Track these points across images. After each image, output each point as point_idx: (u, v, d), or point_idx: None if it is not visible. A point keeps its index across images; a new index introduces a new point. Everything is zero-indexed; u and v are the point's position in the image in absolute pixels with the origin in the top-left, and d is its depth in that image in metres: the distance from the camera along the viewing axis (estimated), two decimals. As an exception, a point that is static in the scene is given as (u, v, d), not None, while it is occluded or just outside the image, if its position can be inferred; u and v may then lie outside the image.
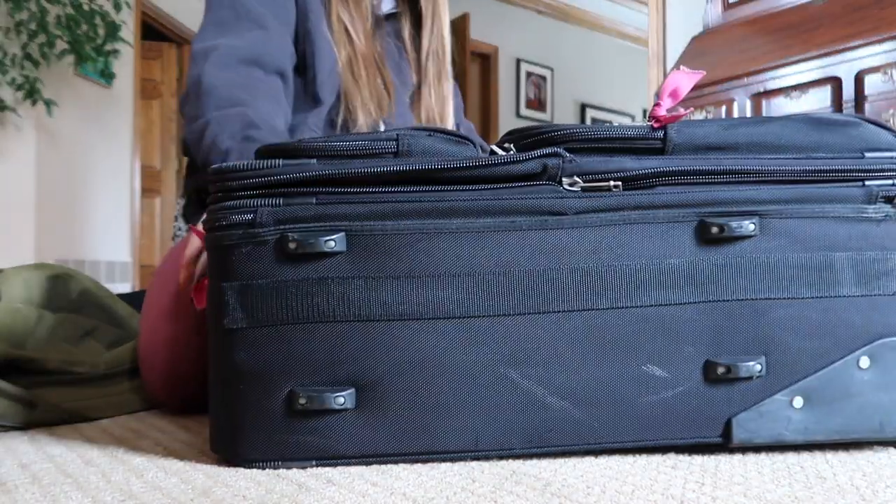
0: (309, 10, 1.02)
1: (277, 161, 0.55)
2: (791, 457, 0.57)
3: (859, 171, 0.57)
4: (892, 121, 1.98)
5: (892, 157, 0.58)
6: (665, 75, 2.78)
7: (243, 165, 0.55)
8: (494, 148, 0.60)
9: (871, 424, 0.57)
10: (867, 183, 0.57)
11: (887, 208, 0.57)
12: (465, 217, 0.55)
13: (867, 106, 2.04)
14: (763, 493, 0.47)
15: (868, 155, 0.58)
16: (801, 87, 2.19)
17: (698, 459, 0.56)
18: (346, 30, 1.03)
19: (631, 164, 0.57)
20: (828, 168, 0.57)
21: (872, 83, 2.04)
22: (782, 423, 0.56)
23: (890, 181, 0.58)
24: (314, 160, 0.55)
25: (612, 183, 0.56)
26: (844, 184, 0.58)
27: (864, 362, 0.56)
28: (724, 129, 0.58)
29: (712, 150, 0.58)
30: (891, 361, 0.57)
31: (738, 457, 0.57)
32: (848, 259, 0.57)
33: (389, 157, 0.56)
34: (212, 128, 0.87)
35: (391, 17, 1.16)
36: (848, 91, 2.08)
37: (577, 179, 0.56)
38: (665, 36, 2.91)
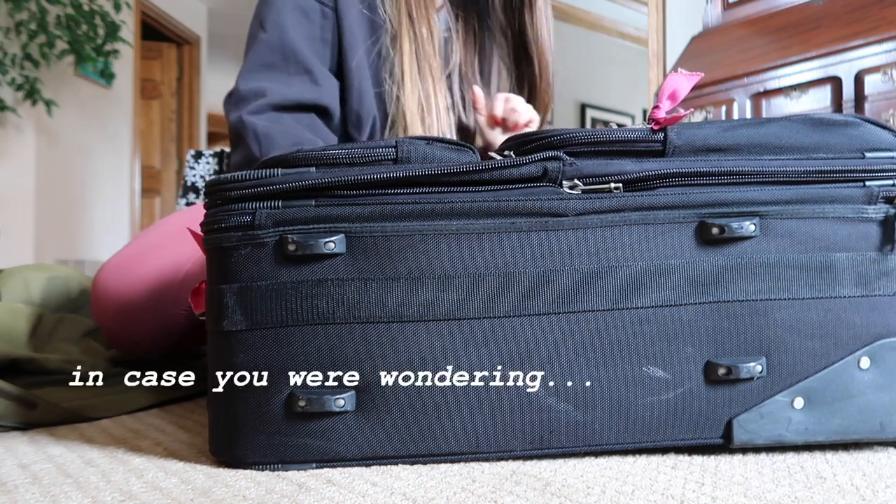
0: (345, 35, 0.98)
1: (276, 171, 0.55)
2: (791, 457, 0.57)
3: (860, 171, 0.57)
4: (892, 121, 1.98)
5: (892, 158, 0.58)
6: (665, 75, 2.78)
7: (242, 176, 0.55)
8: (494, 154, 0.60)
9: (871, 425, 0.57)
10: (867, 183, 0.57)
11: (887, 208, 0.57)
12: (465, 218, 0.55)
13: (867, 106, 2.04)
14: (763, 493, 0.47)
15: (868, 155, 0.58)
16: (801, 87, 2.19)
17: (698, 459, 0.56)
18: (417, 52, 0.98)
19: (631, 166, 0.57)
20: (828, 169, 0.57)
21: (872, 83, 2.04)
22: (783, 424, 0.56)
23: (890, 182, 0.58)
24: (313, 168, 0.55)
25: (612, 185, 0.56)
26: (845, 184, 0.58)
27: (865, 363, 0.56)
28: (724, 130, 0.58)
29: (712, 151, 0.58)
30: (891, 362, 0.57)
31: (738, 457, 0.57)
32: (848, 259, 0.57)
33: (388, 164, 0.56)
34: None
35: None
36: (848, 91, 2.08)
37: (578, 182, 0.56)
38: (665, 36, 2.91)
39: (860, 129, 0.59)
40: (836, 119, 0.59)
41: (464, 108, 1.08)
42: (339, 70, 0.98)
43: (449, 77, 1.05)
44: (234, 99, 0.93)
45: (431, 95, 0.97)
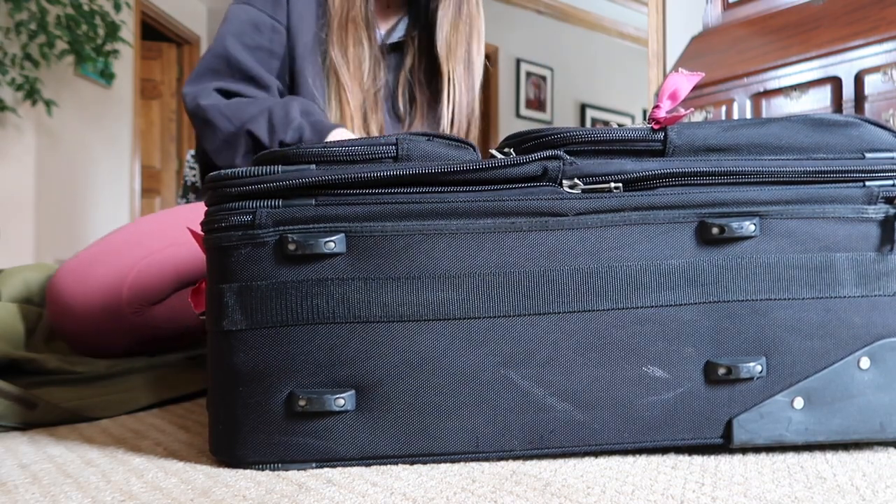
0: (297, 54, 1.04)
1: (276, 167, 0.55)
2: (791, 457, 0.57)
3: (860, 171, 0.57)
4: (892, 121, 1.98)
5: (892, 158, 0.58)
6: (665, 75, 2.78)
7: (242, 172, 0.55)
8: (494, 152, 0.60)
9: (871, 425, 0.57)
10: (868, 184, 0.57)
11: (887, 208, 0.57)
12: (465, 218, 0.55)
13: (867, 106, 2.04)
14: (763, 494, 0.47)
15: (868, 155, 0.58)
16: (801, 87, 2.19)
17: (698, 459, 0.56)
18: (338, 77, 1.03)
19: (631, 166, 0.57)
20: (829, 169, 0.57)
21: (872, 83, 2.04)
22: (783, 424, 0.56)
23: (890, 182, 0.58)
24: (313, 165, 0.55)
25: (612, 185, 0.56)
26: (845, 184, 0.58)
27: (865, 363, 0.56)
28: (725, 130, 0.58)
29: (712, 151, 0.58)
30: (891, 362, 0.57)
31: (738, 457, 0.57)
32: (848, 259, 0.57)
33: (388, 161, 0.56)
34: (258, 121, 0.93)
35: (396, 46, 1.13)
36: (848, 91, 2.08)
37: (578, 182, 0.56)
38: (665, 36, 2.91)
39: (860, 129, 0.59)
40: (836, 119, 0.59)
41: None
42: (293, 83, 1.05)
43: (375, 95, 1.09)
44: (185, 99, 1.01)
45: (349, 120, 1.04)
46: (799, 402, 0.56)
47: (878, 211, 0.57)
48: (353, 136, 0.86)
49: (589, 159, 0.57)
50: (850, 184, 0.58)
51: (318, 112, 0.97)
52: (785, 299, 0.56)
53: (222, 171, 0.56)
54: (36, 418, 0.74)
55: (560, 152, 0.57)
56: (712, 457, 0.57)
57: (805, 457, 0.57)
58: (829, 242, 0.57)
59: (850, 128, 0.59)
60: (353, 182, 0.54)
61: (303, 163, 0.55)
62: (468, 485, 0.50)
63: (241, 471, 0.55)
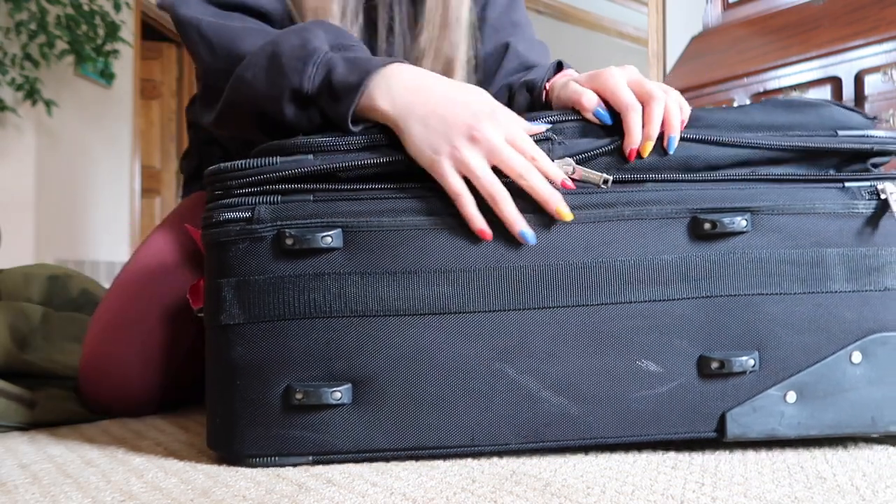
0: None
1: (275, 158, 0.55)
2: (791, 457, 0.57)
3: (835, 150, 0.58)
4: (892, 121, 1.98)
5: (864, 135, 0.59)
6: (665, 75, 2.78)
7: (241, 165, 0.56)
8: None
9: (863, 419, 0.57)
10: (846, 185, 0.58)
11: (876, 203, 0.58)
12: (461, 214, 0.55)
13: (867, 106, 2.04)
14: (763, 493, 0.47)
15: (841, 133, 0.59)
16: (801, 87, 2.19)
17: (698, 459, 0.56)
18: None
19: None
20: (805, 145, 0.58)
21: (872, 83, 2.04)
22: (776, 418, 0.56)
23: (868, 183, 0.58)
24: (310, 156, 0.56)
25: (602, 177, 0.56)
26: (826, 184, 0.58)
27: (856, 357, 0.57)
28: (710, 113, 0.60)
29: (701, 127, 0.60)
30: (882, 356, 0.57)
31: (738, 457, 0.57)
32: (839, 255, 0.57)
33: (384, 148, 0.57)
34: (256, 60, 0.63)
35: None
36: (848, 91, 2.08)
37: (570, 160, 0.57)
38: (665, 36, 2.91)
39: (830, 109, 0.60)
40: (806, 101, 0.60)
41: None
42: None
43: None
44: (175, 15, 0.73)
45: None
46: (791, 396, 0.56)
47: (867, 206, 0.57)
48: (423, 79, 0.59)
49: (579, 139, 0.58)
50: (831, 184, 0.58)
51: (354, 41, 0.65)
52: (777, 294, 0.56)
53: (221, 165, 0.56)
54: (36, 418, 0.74)
55: (550, 133, 0.57)
56: (712, 457, 0.57)
57: (805, 457, 0.57)
58: (821, 238, 0.57)
59: (821, 108, 0.60)
60: (350, 168, 0.55)
61: (300, 153, 0.56)
62: (468, 485, 0.50)
63: (241, 471, 0.55)
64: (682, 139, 0.57)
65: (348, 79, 0.58)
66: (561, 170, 0.56)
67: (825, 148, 0.58)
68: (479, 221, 0.55)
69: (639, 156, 0.57)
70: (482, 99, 0.58)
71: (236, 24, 0.68)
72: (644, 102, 0.58)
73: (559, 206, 0.55)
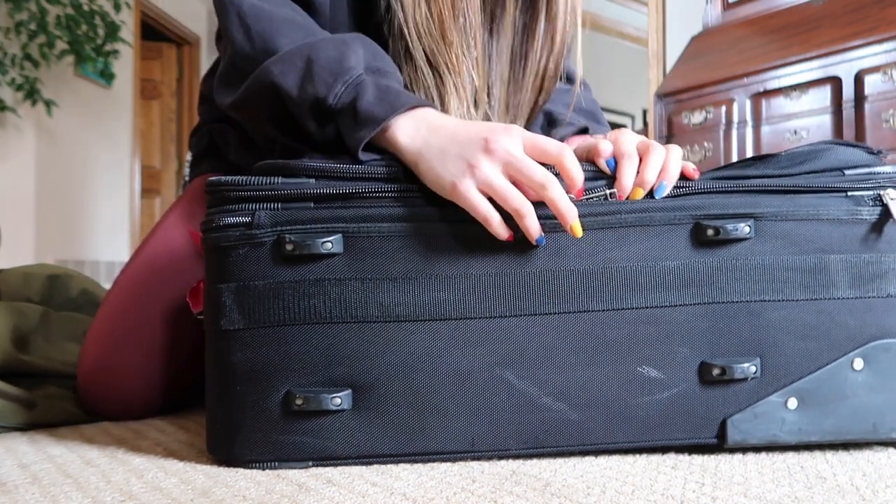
0: None
1: (276, 179, 0.55)
2: (791, 457, 0.57)
3: (843, 189, 0.58)
4: (892, 121, 1.98)
5: (870, 173, 0.59)
6: (665, 75, 2.78)
7: (242, 181, 0.55)
8: None
9: (864, 426, 0.57)
10: (850, 194, 0.58)
11: (880, 210, 0.58)
12: (462, 220, 0.55)
13: (867, 106, 2.04)
14: (763, 494, 0.47)
15: (848, 172, 0.59)
16: (801, 87, 2.19)
17: (698, 459, 0.56)
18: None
19: None
20: (814, 185, 0.58)
21: (872, 83, 2.04)
22: (777, 425, 0.56)
23: (872, 190, 0.58)
24: (312, 180, 0.56)
25: (607, 192, 0.57)
26: (834, 194, 0.58)
27: (858, 364, 0.57)
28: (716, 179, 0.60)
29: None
30: (884, 363, 0.57)
31: (738, 457, 0.57)
32: (842, 261, 0.57)
33: (384, 181, 0.57)
34: (291, 59, 0.60)
35: None
36: (848, 91, 2.08)
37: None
38: (665, 36, 2.91)
39: (834, 151, 0.60)
40: (810, 149, 0.60)
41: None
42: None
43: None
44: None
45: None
46: (793, 403, 0.56)
47: (871, 213, 0.57)
48: (444, 119, 0.58)
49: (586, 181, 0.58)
50: (836, 193, 0.58)
51: (391, 67, 0.64)
52: (779, 300, 0.56)
53: (221, 178, 0.56)
54: (36, 418, 0.74)
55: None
56: (712, 457, 0.57)
57: (805, 457, 0.57)
58: (824, 244, 0.57)
59: (826, 152, 0.60)
60: (350, 196, 0.56)
61: (302, 176, 0.56)
62: (468, 485, 0.50)
63: (241, 471, 0.55)
64: (691, 189, 0.58)
65: (374, 110, 0.57)
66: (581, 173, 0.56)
67: (832, 189, 0.58)
68: (507, 233, 0.55)
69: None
70: (498, 123, 0.58)
71: (279, 11, 0.65)
72: (643, 154, 0.59)
73: (574, 222, 0.54)
